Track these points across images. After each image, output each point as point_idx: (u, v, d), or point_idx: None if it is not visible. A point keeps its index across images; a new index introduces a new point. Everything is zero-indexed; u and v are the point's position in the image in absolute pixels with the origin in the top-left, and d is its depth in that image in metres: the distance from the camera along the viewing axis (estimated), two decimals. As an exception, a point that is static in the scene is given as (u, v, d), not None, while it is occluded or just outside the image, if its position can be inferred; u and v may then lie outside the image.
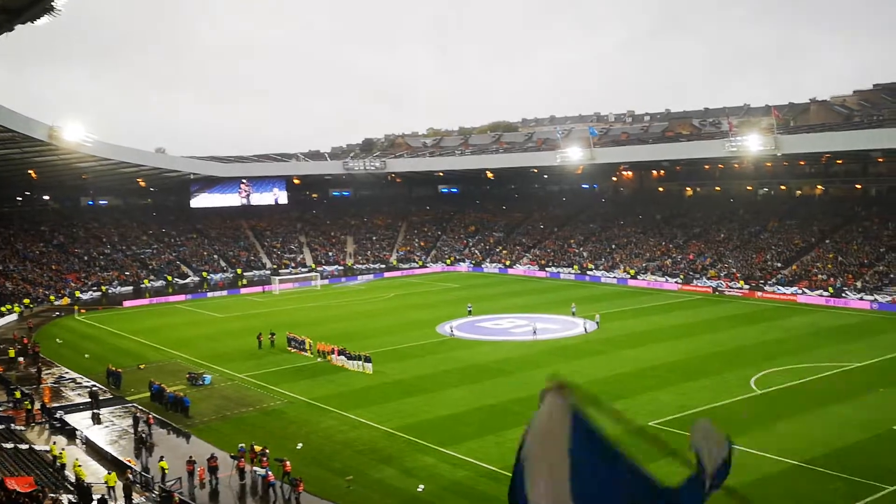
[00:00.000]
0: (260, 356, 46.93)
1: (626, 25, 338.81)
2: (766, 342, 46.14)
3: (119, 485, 26.48)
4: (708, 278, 70.63)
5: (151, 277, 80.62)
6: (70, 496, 25.52)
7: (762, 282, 66.87)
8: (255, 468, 27.95)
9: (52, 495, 24.01)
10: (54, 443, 31.63)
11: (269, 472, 27.00)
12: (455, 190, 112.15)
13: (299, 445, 30.52)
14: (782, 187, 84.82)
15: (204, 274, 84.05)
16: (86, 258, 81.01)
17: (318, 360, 44.93)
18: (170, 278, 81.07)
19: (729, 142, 68.08)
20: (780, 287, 65.19)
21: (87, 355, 48.55)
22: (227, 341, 51.70)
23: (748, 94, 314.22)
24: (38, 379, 43.10)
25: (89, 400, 37.60)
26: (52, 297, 70.18)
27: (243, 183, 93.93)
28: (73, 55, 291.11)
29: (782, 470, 26.37)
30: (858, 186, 79.28)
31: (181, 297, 73.90)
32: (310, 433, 32.41)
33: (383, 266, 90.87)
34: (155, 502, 26.26)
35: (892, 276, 61.60)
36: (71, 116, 63.39)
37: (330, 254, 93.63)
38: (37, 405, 36.85)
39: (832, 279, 63.66)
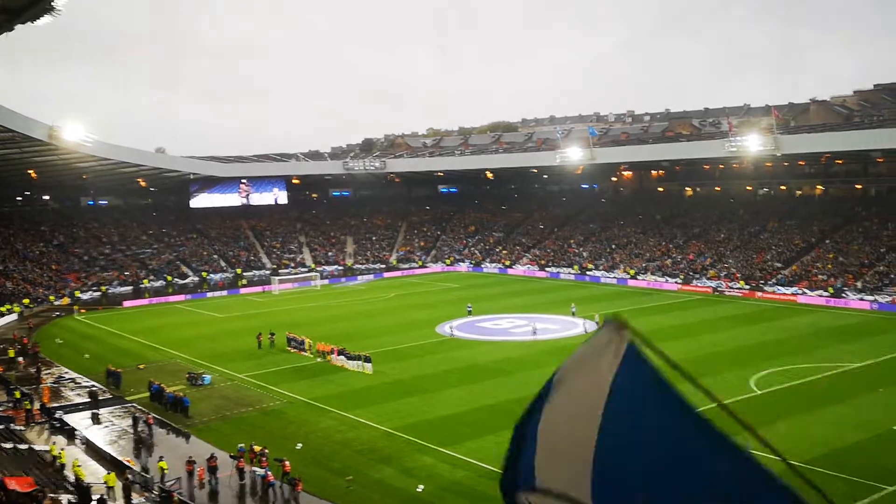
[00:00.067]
0: (259, 356, 46.93)
1: (626, 25, 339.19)
2: (766, 342, 46.14)
3: (118, 485, 26.48)
4: (708, 278, 70.62)
5: (151, 277, 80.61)
6: (69, 496, 25.52)
7: (762, 282, 66.86)
8: (254, 468, 27.95)
9: (51, 495, 24.02)
10: (54, 443, 31.63)
11: (269, 472, 26.99)
12: (455, 190, 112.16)
13: (299, 445, 30.52)
14: (782, 187, 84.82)
15: (204, 274, 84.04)
16: (86, 258, 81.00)
17: (318, 360, 44.93)
18: (169, 278, 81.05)
19: (729, 142, 68.11)
20: (780, 287, 65.18)
21: (86, 355, 48.54)
22: (227, 341, 51.69)
23: (748, 95, 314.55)
24: (37, 379, 43.10)
25: (89, 400, 37.60)
26: (51, 297, 70.17)
27: (243, 183, 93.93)
28: (73, 55, 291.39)
29: (781, 470, 26.25)
30: (858, 186, 79.30)
31: (181, 298, 73.90)
32: (309, 433, 32.41)
33: (383, 266, 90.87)
34: (154, 502, 26.25)
35: (892, 276, 61.60)
36: (71, 116, 63.56)
37: (330, 254, 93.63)
38: (36, 405, 36.85)
39: (832, 279, 63.65)
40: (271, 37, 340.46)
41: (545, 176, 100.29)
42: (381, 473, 27.89)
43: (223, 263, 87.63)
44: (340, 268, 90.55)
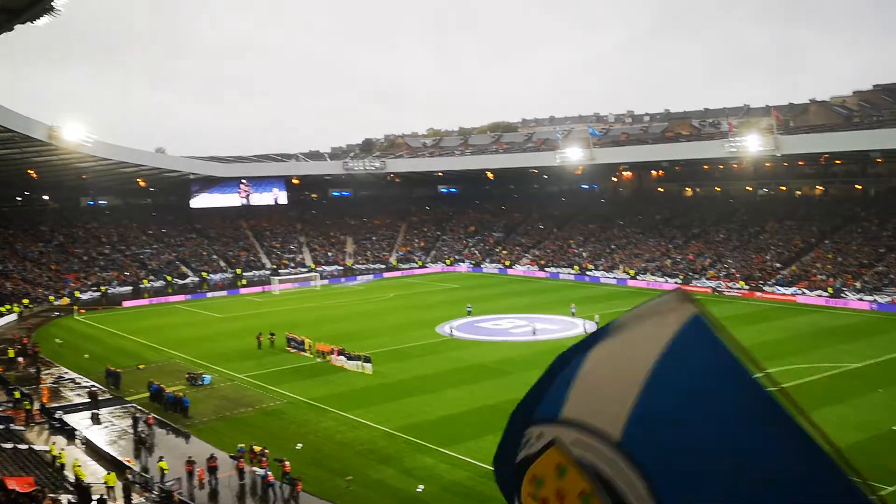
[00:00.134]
0: (259, 356, 46.93)
1: (626, 25, 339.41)
2: (766, 342, 46.10)
3: (118, 485, 26.48)
4: (707, 279, 70.64)
5: (151, 277, 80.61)
6: (69, 496, 25.53)
7: (762, 282, 66.87)
8: (254, 468, 27.95)
9: (51, 495, 24.02)
10: (54, 443, 31.64)
11: (269, 473, 26.99)
12: (455, 190, 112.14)
13: (299, 446, 30.52)
14: (782, 188, 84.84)
15: (203, 274, 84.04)
16: (85, 258, 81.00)
17: (318, 360, 44.93)
18: (169, 278, 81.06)
19: (728, 142, 68.12)
20: (779, 287, 65.20)
21: (86, 355, 48.53)
22: (227, 341, 51.69)
23: (748, 95, 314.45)
24: (37, 379, 43.11)
25: (88, 400, 37.60)
26: (51, 298, 70.17)
27: (243, 183, 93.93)
28: (73, 55, 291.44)
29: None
30: (858, 187, 79.33)
31: (181, 298, 73.89)
32: (309, 433, 32.41)
33: (383, 266, 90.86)
34: (154, 502, 26.25)
35: (891, 276, 61.62)
36: (70, 116, 63.58)
37: (329, 254, 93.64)
38: (36, 405, 36.85)
39: (832, 279, 63.67)
40: (271, 37, 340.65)
41: (545, 176, 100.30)
42: (380, 474, 27.90)
43: (223, 263, 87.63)
44: (340, 268, 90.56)
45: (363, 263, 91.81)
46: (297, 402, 37.11)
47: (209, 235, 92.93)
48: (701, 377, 2.01)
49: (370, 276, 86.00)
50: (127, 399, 38.61)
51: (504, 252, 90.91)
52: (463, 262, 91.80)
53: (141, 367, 44.71)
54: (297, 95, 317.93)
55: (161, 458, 28.94)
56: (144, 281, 79.32)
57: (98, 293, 74.39)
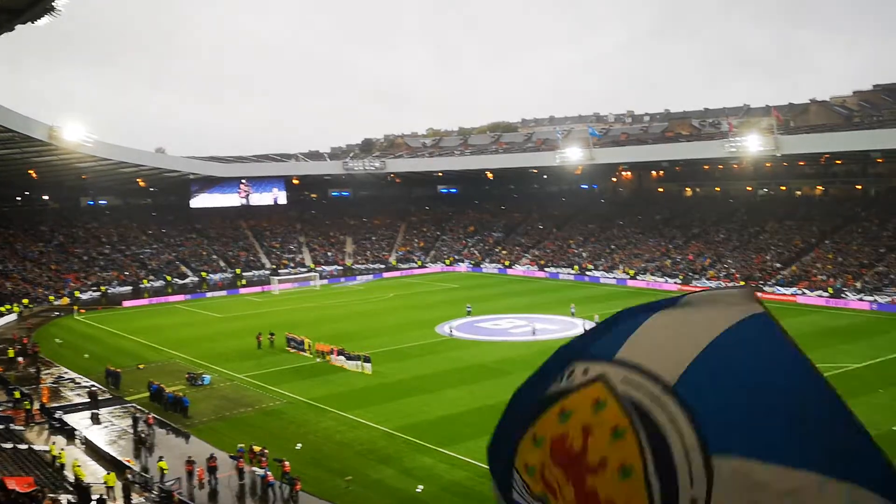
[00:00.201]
0: (259, 356, 46.93)
1: (626, 25, 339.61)
2: (766, 343, 46.07)
3: (118, 485, 26.48)
4: (707, 279, 70.64)
5: (151, 277, 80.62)
6: (69, 496, 25.54)
7: (762, 282, 66.86)
8: (254, 468, 27.95)
9: (51, 495, 24.01)
10: (53, 443, 31.64)
11: (269, 473, 26.99)
12: (454, 190, 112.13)
13: (298, 446, 30.52)
14: (782, 188, 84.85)
15: (203, 274, 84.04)
16: (85, 258, 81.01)
17: (318, 360, 44.93)
18: (169, 278, 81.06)
19: (728, 142, 68.12)
20: (779, 288, 65.20)
21: (86, 355, 48.52)
22: (226, 341, 51.68)
23: (748, 95, 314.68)
24: (37, 379, 43.11)
25: (88, 400, 37.59)
26: (51, 297, 70.17)
27: (243, 183, 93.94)
28: (73, 55, 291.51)
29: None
30: (858, 187, 79.34)
31: (180, 298, 73.88)
32: (309, 433, 32.41)
33: (382, 266, 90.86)
34: (154, 502, 26.26)
35: (891, 276, 61.63)
36: (70, 116, 63.58)
37: (329, 254, 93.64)
38: (36, 405, 36.85)
39: (832, 280, 63.68)
40: (271, 37, 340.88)
41: (545, 176, 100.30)
42: (380, 474, 27.91)
43: (223, 263, 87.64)
44: (340, 268, 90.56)
45: (363, 263, 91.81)
46: (296, 402, 37.11)
47: (209, 235, 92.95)
48: (765, 355, 1.99)
49: (370, 276, 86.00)
50: (127, 399, 38.61)
51: (504, 252, 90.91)
52: (462, 262, 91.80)
53: (141, 366, 44.70)
54: (297, 95, 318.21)
55: (161, 458, 28.94)
56: (144, 281, 79.33)
57: (98, 293, 74.39)
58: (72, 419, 35.30)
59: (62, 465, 29.06)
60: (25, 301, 67.18)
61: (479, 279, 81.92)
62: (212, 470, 27.82)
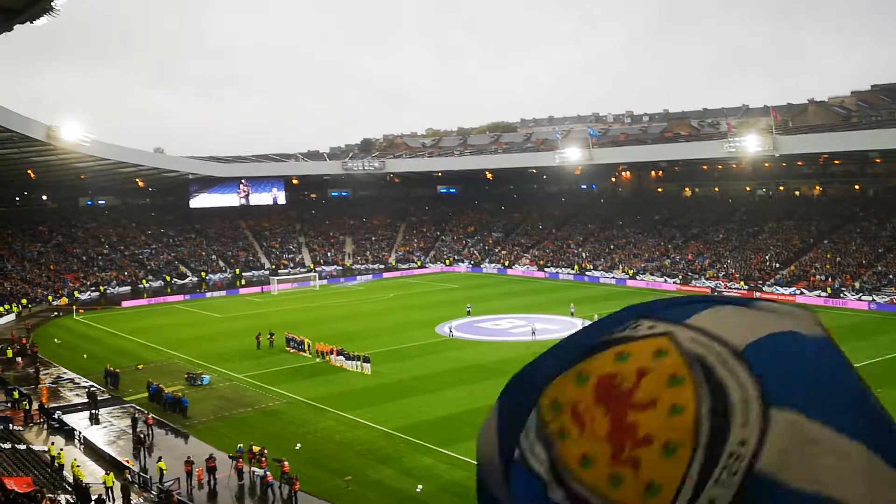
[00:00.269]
0: (258, 356, 46.92)
1: (625, 25, 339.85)
2: (765, 343, 46.14)
3: (117, 485, 26.47)
4: (707, 279, 70.69)
5: (150, 278, 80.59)
6: (68, 496, 25.54)
7: (761, 282, 66.93)
8: (253, 468, 27.94)
9: (50, 495, 23.99)
10: (52, 443, 31.61)
11: (268, 473, 26.98)
12: (454, 190, 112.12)
13: (298, 446, 30.50)
14: (781, 188, 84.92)
15: (202, 274, 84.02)
16: (84, 258, 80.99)
17: (317, 360, 44.93)
18: (168, 278, 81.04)
19: (727, 142, 68.17)
20: (778, 287, 65.25)
21: (85, 355, 48.49)
22: (226, 342, 51.66)
23: (747, 95, 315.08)
24: (36, 379, 43.09)
25: (87, 400, 37.57)
26: (50, 298, 70.13)
27: (242, 183, 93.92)
28: (72, 55, 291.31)
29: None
30: (857, 187, 79.40)
31: (180, 298, 73.84)
32: (308, 433, 32.40)
33: (382, 266, 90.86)
34: (153, 503, 26.25)
35: (890, 276, 61.69)
36: (69, 116, 63.56)
37: (328, 254, 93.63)
38: (35, 405, 36.83)
39: (830, 280, 63.73)
40: (272, 37, 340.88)
41: (544, 176, 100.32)
42: (379, 474, 27.91)
43: (222, 263, 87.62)
44: (339, 268, 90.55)
45: (362, 263, 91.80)
46: (296, 402, 37.10)
47: (208, 235, 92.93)
48: (829, 358, 2.07)
49: (369, 277, 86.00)
50: (126, 399, 38.60)
51: (503, 252, 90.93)
52: (462, 262, 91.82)
53: (140, 367, 44.68)
54: (297, 95, 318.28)
55: (160, 459, 28.94)
56: (143, 281, 79.31)
57: (97, 293, 74.36)
58: (71, 419, 35.29)
59: (61, 466, 29.05)
60: (24, 301, 67.14)
61: (479, 279, 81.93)
62: (211, 470, 27.81)
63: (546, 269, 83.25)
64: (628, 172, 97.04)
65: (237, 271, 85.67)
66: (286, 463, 27.10)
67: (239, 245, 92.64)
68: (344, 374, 41.77)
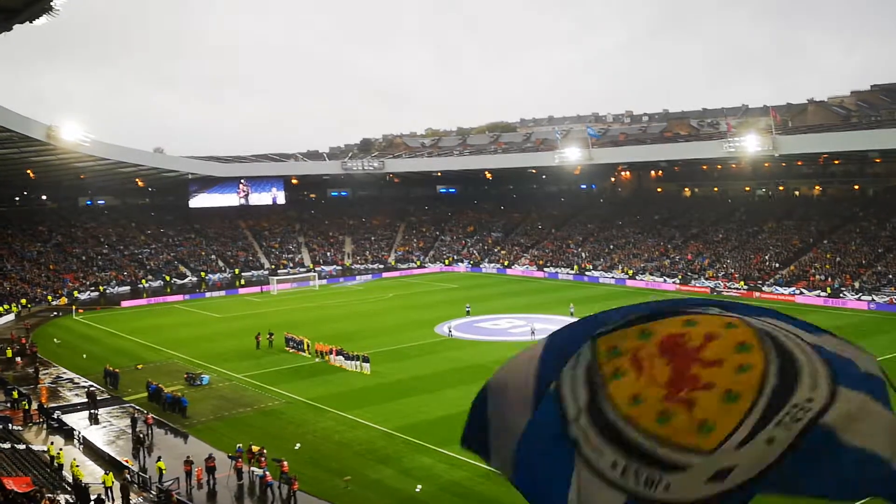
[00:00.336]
0: (258, 356, 46.91)
1: (625, 25, 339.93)
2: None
3: (116, 485, 26.46)
4: (706, 279, 70.69)
5: (149, 277, 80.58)
6: (67, 496, 25.52)
7: (760, 282, 66.93)
8: (252, 468, 27.94)
9: (49, 495, 23.98)
10: (52, 443, 31.60)
11: (267, 473, 26.98)
12: (453, 190, 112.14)
13: (297, 446, 30.49)
14: (780, 188, 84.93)
15: (202, 274, 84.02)
16: (84, 258, 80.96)
17: (317, 360, 44.93)
18: (168, 278, 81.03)
19: (727, 142, 68.17)
20: (778, 287, 65.26)
21: (84, 355, 48.49)
22: (225, 341, 51.67)
23: (746, 95, 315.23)
24: (35, 379, 43.08)
25: (87, 400, 37.56)
26: (49, 297, 70.12)
27: (242, 183, 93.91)
28: (72, 55, 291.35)
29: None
30: (856, 187, 79.42)
31: (179, 298, 73.84)
32: (307, 433, 32.40)
33: (381, 266, 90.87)
34: (152, 502, 26.25)
35: (889, 276, 61.69)
36: (69, 116, 63.52)
37: (328, 254, 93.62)
38: (34, 405, 36.82)
39: (830, 280, 63.74)
40: (271, 37, 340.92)
41: (544, 176, 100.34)
42: (379, 474, 27.90)
43: (221, 263, 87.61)
44: (339, 268, 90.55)
45: (362, 263, 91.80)
46: (295, 401, 37.10)
47: (208, 235, 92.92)
48: (880, 387, 2.23)
49: (369, 276, 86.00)
50: (125, 399, 38.58)
51: (503, 252, 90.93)
52: (461, 262, 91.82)
53: (139, 367, 44.67)
54: (296, 95, 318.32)
55: (159, 458, 28.92)
56: (143, 281, 79.30)
57: (96, 293, 74.35)
58: (70, 419, 35.28)
59: (60, 465, 29.04)
60: (24, 301, 67.13)
61: (478, 279, 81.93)
62: (210, 470, 27.81)
63: (545, 269, 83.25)
64: (628, 172, 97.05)
65: (237, 271, 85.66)
66: (285, 463, 27.10)
67: (238, 245, 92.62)
68: (343, 374, 41.77)
